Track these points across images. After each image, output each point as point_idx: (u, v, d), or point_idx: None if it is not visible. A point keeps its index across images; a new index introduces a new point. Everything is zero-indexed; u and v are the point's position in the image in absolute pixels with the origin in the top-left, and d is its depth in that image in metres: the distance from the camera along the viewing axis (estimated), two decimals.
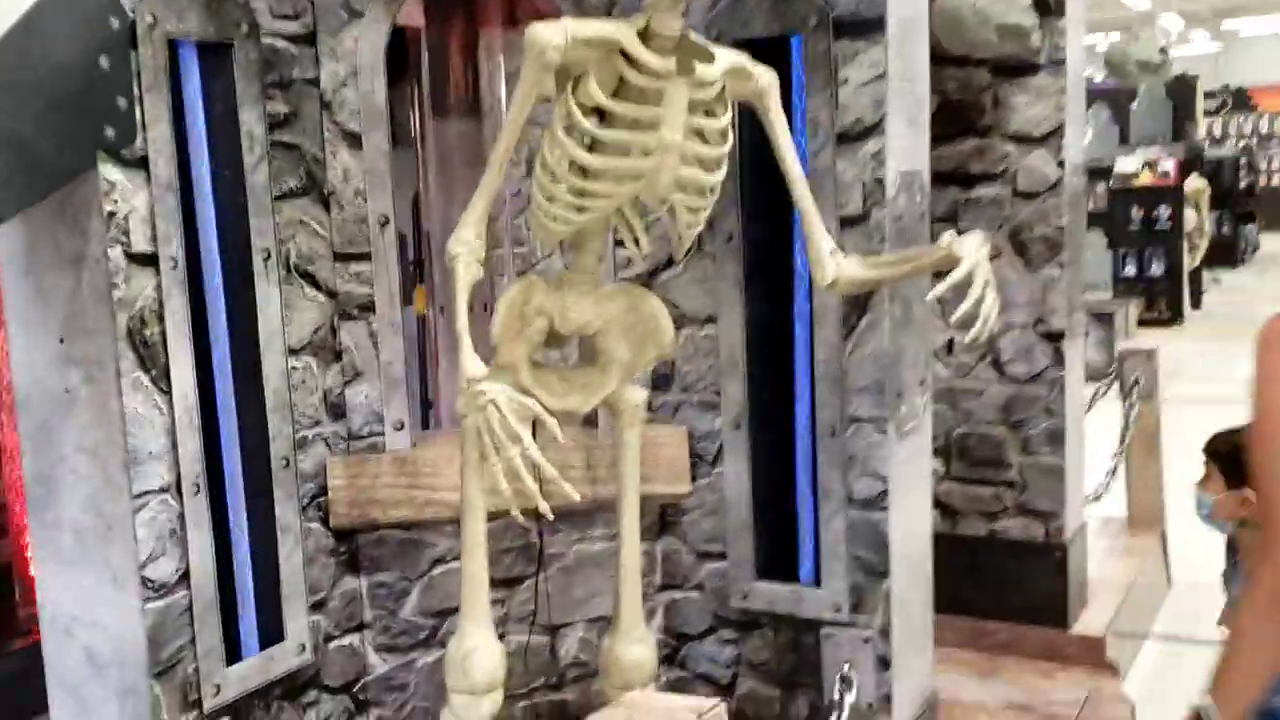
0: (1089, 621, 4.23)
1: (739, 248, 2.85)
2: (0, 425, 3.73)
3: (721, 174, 2.31)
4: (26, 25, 1.98)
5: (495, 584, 2.89)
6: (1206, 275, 14.39)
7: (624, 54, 2.11)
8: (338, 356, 2.76)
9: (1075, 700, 3.83)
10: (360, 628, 2.84)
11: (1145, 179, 12.29)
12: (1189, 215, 12.65)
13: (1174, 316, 12.29)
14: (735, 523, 2.95)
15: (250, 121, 2.51)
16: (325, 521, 2.74)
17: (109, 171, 2.19)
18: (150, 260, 2.29)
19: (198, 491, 2.41)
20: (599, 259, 2.45)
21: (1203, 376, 9.44)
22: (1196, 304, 13.43)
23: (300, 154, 2.66)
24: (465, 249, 2.24)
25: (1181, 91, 15.62)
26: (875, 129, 2.66)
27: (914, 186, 2.81)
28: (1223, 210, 15.62)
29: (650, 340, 2.50)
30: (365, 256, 2.76)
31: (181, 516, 2.37)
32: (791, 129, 2.43)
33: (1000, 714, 3.77)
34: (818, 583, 2.86)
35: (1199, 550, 5.41)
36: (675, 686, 3.10)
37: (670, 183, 2.23)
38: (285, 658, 2.64)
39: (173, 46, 2.33)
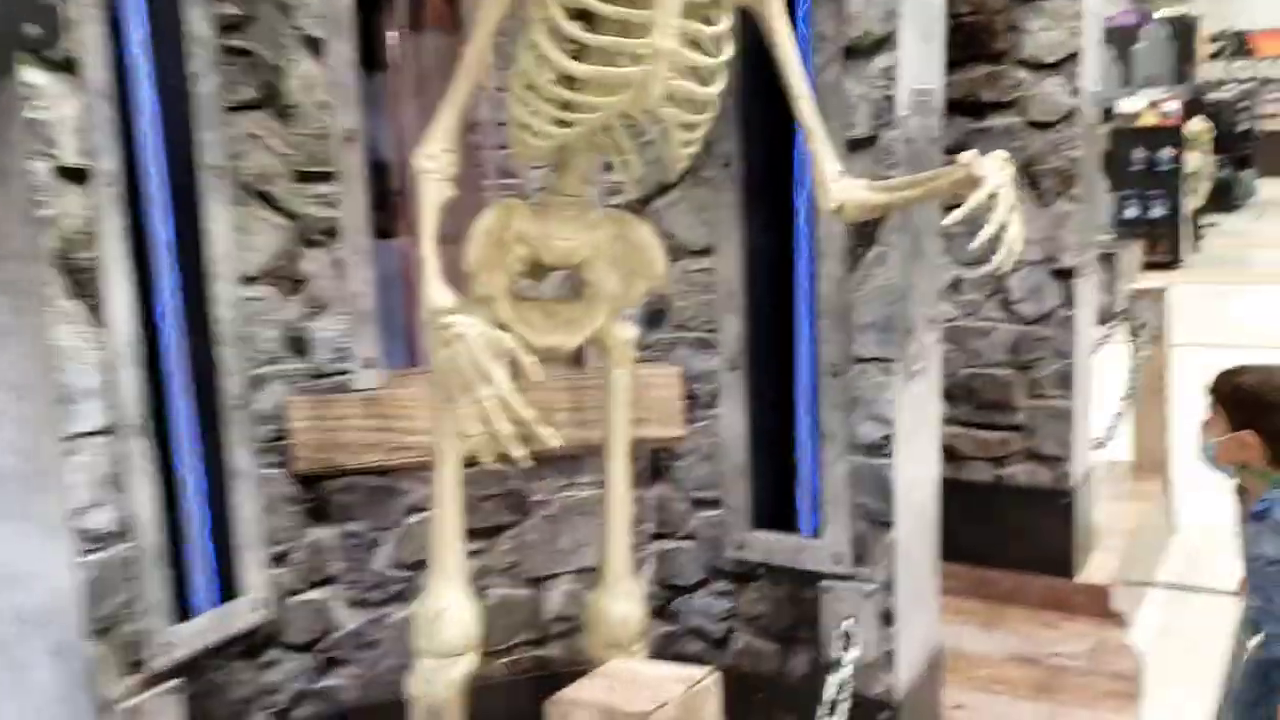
0: (1095, 570, 4.07)
1: (738, 173, 2.62)
2: None
3: (719, 87, 2.08)
4: None
5: (475, 534, 2.71)
6: (1204, 219, 14.17)
7: None
8: (299, 286, 2.54)
9: (1081, 651, 3.67)
10: (327, 581, 2.64)
11: (1149, 120, 12.00)
12: (1191, 158, 12.39)
13: (1173, 260, 12.08)
14: (731, 469, 2.75)
15: (197, 23, 2.26)
16: (286, 467, 2.53)
17: (31, 75, 1.94)
18: (81, 176, 2.06)
19: (139, 434, 2.19)
20: (585, 182, 2.22)
21: (1203, 319, 9.27)
22: (1196, 247, 13.22)
23: (255, 61, 2.41)
24: (433, 164, 2.01)
25: (1184, 32, 15.28)
26: (886, 43, 2.42)
27: (927, 107, 2.58)
28: (1222, 154, 15.35)
29: (641, 272, 2.28)
30: (329, 176, 2.53)
31: (120, 461, 2.15)
32: (796, 41, 2.19)
33: (1004, 666, 3.62)
34: (817, 533, 2.67)
35: (1204, 495, 5.29)
36: (666, 640, 2.91)
37: (662, 95, 2.00)
38: (241, 614, 2.45)
39: None
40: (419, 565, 2.65)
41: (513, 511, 2.75)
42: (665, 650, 2.90)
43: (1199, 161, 12.84)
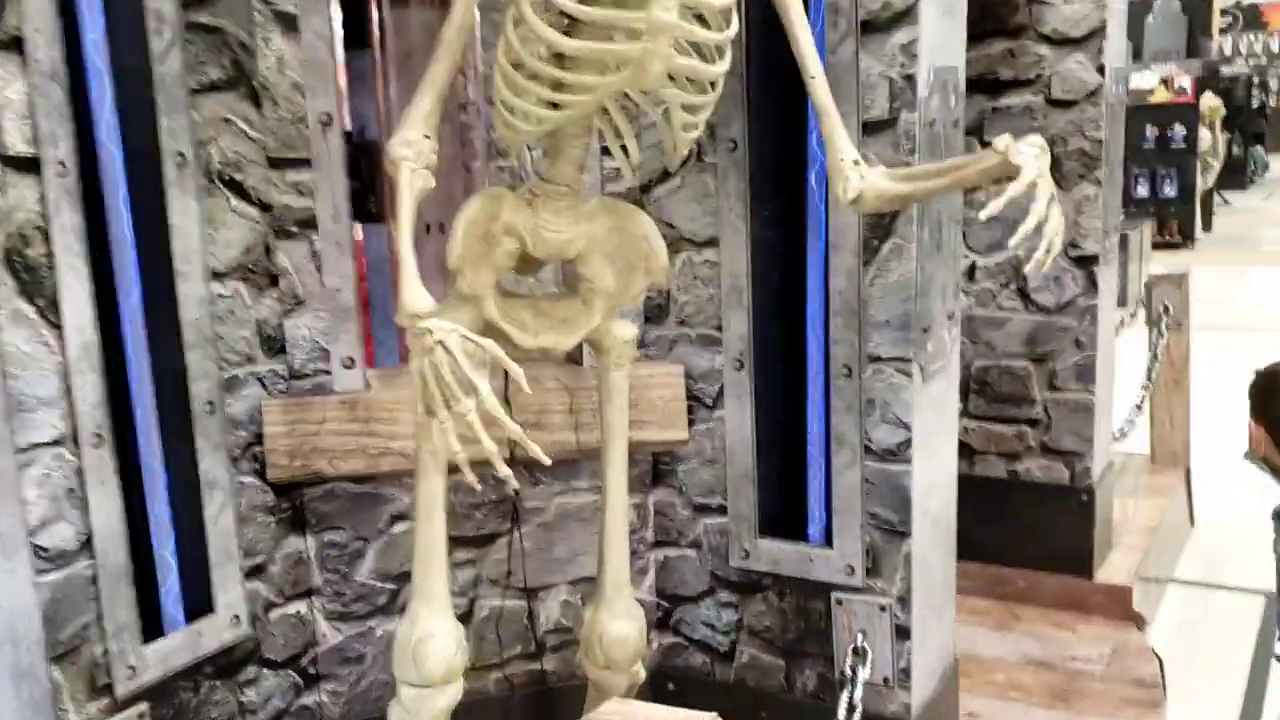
0: (1114, 568, 3.92)
1: (744, 157, 2.45)
2: None
3: (724, 66, 1.91)
4: None
5: (466, 542, 2.57)
6: (1216, 197, 13.97)
7: None
8: (274, 281, 2.37)
9: (1099, 655, 3.52)
10: (308, 594, 2.48)
11: (1161, 96, 11.78)
12: (1203, 134, 12.17)
13: (1185, 239, 11.88)
14: (736, 474, 2.58)
15: None
16: (262, 474, 2.37)
17: None
18: (31, 165, 1.89)
19: (100, 443, 2.03)
20: (579, 168, 2.05)
21: (1218, 301, 9.09)
22: (1208, 226, 13.01)
23: (224, 39, 2.24)
24: (410, 152, 1.83)
25: (1195, 5, 15.03)
26: (906, 17, 2.24)
27: (949, 86, 2.40)
28: (1234, 130, 15.12)
29: (640, 266, 2.11)
30: (305, 163, 2.36)
31: (80, 473, 2.00)
32: (808, 15, 2.02)
33: (1018, 670, 3.47)
34: (828, 542, 2.51)
35: (1224, 489, 5.13)
36: (669, 652, 2.76)
37: (662, 73, 1.82)
38: (216, 631, 2.29)
39: None
40: (404, 576, 2.50)
41: (505, 519, 2.59)
42: (667, 663, 2.75)
43: (1211, 139, 12.61)
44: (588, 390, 2.50)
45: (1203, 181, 12.36)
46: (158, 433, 2.16)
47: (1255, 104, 16.30)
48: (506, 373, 2.37)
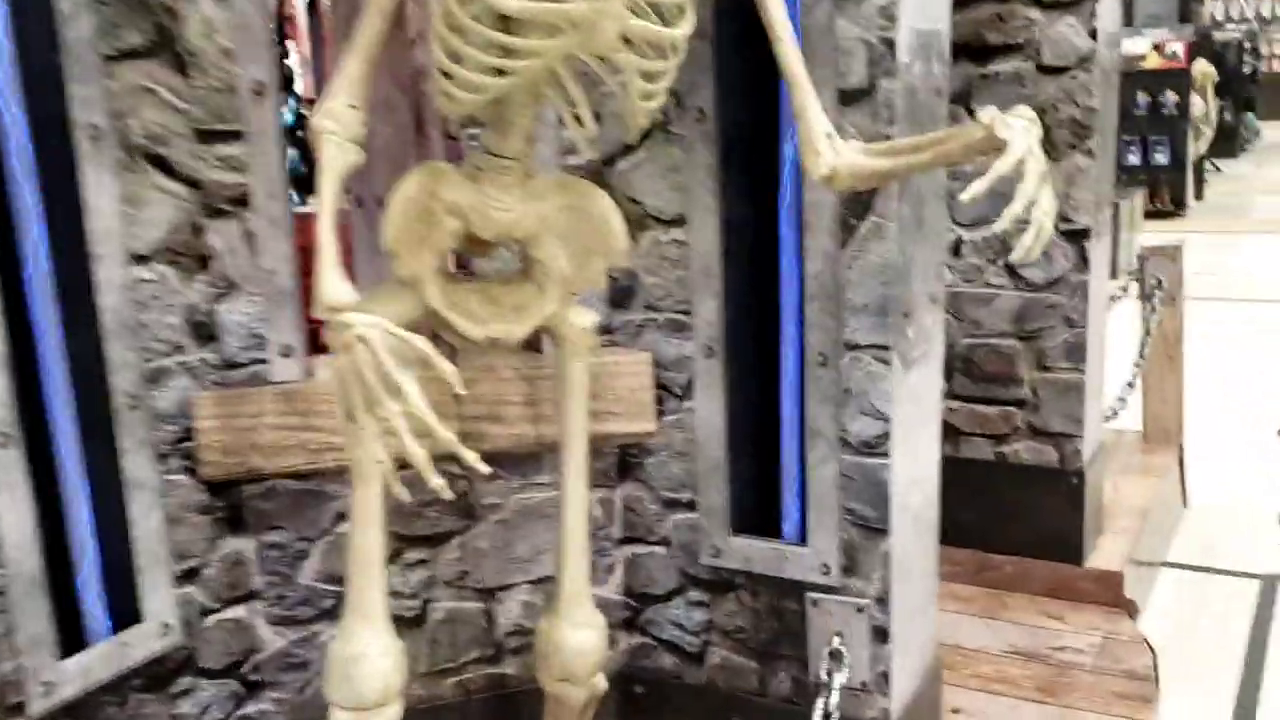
0: (1105, 553, 3.78)
1: (713, 129, 2.27)
2: None
3: (686, 28, 1.74)
4: None
5: (418, 541, 2.41)
6: (1208, 165, 13.80)
7: None
8: (204, 264, 2.19)
9: (1090, 646, 3.39)
10: (248, 598, 2.32)
11: (1152, 62, 11.58)
12: (1195, 101, 11.98)
13: (1177, 208, 11.71)
14: (707, 467, 2.43)
15: None
16: (194, 472, 2.20)
17: None
18: None
19: (8, 443, 1.86)
20: (528, 140, 1.88)
21: (1210, 271, 8.96)
22: (1200, 194, 12.85)
23: (143, 1, 2.05)
24: (335, 124, 1.66)
25: None
26: None
27: (932, 52, 2.23)
28: (1225, 97, 14.93)
29: (597, 248, 1.94)
30: (237, 135, 2.18)
31: None
32: None
33: (1004, 662, 3.33)
34: (803, 540, 2.35)
35: (1219, 469, 5.01)
36: (637, 654, 2.61)
37: (615, 36, 1.66)
38: (145, 641, 2.13)
39: None
40: None
41: (461, 516, 2.43)
42: (635, 665, 2.60)
43: (1203, 105, 12.43)
44: (547, 380, 2.34)
45: (1195, 149, 12.19)
46: (75, 430, 2.00)
47: (1247, 70, 16.09)
48: (455, 360, 2.24)
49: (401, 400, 1.49)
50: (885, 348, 2.19)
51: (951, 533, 3.64)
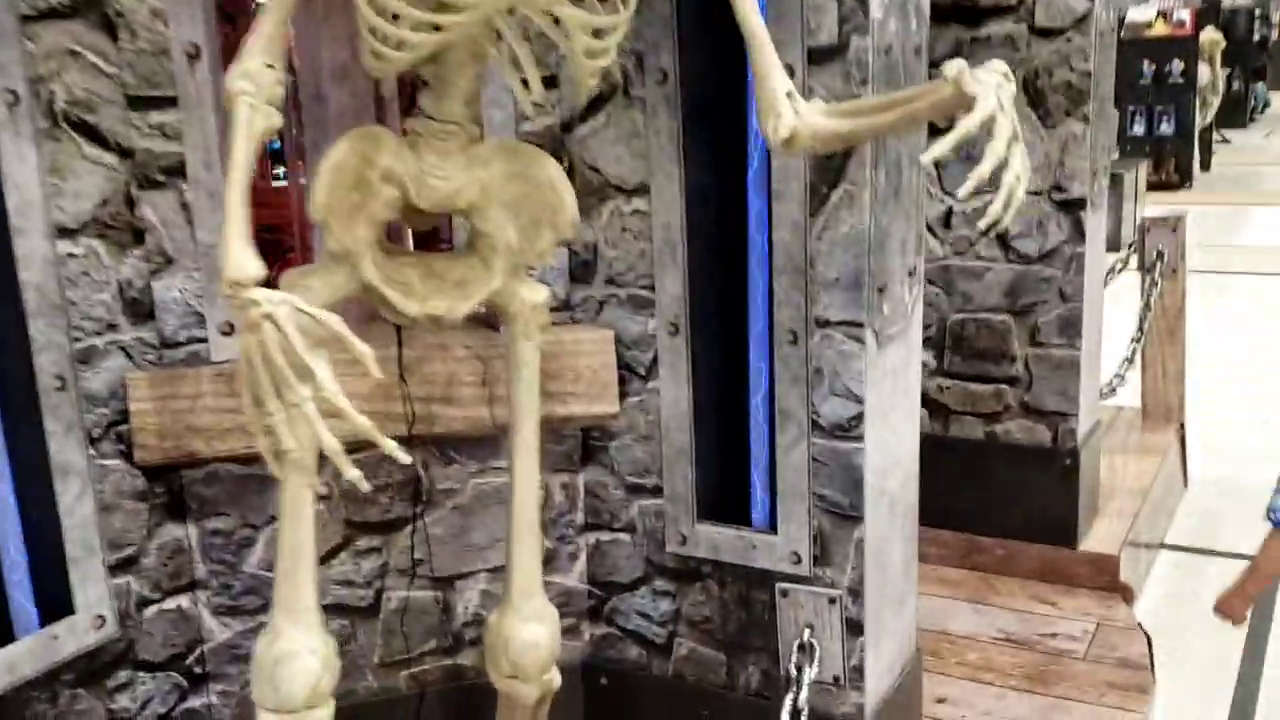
0: (1099, 536, 3.67)
1: (675, 92, 2.14)
2: None
3: None
4: None
5: (371, 528, 2.30)
6: (1215, 135, 13.58)
7: None
8: (139, 238, 2.08)
9: (1082, 633, 3.28)
10: (191, 587, 2.22)
11: (1158, 30, 11.36)
12: (1202, 70, 11.77)
13: (1183, 179, 11.52)
14: (672, 451, 2.31)
15: None
16: (129, 456, 2.09)
17: None
18: None
19: None
20: (469, 103, 1.75)
21: (1217, 244, 8.79)
22: (1206, 165, 12.65)
23: None
24: (249, 85, 1.53)
25: None
26: None
27: (909, 8, 2.09)
28: (1234, 65, 14.68)
29: (545, 219, 1.82)
30: (171, 101, 2.05)
31: None
32: None
33: (994, 649, 3.23)
34: (773, 527, 2.24)
35: (1220, 444, 4.87)
36: (601, 644, 2.50)
37: None
38: (76, 634, 2.03)
39: None
40: None
41: (416, 502, 2.32)
42: (600, 656, 2.50)
43: (1210, 74, 12.21)
44: (503, 359, 2.21)
45: (1201, 119, 11.98)
46: None
47: (1256, 38, 15.84)
48: (400, 337, 2.12)
49: (312, 384, 1.37)
50: (858, 324, 2.07)
51: (941, 515, 3.56)
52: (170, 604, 2.19)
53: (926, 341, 3.57)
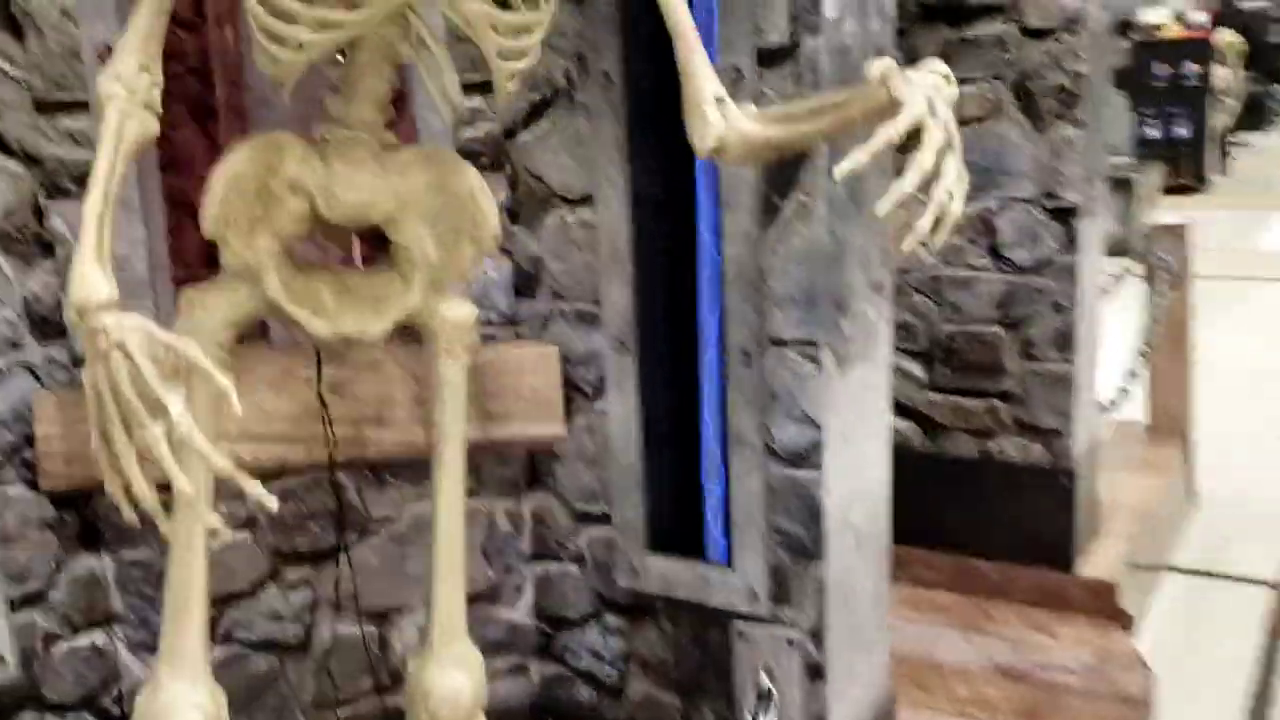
0: (1098, 559, 3.49)
1: (621, 96, 2.00)
2: None
3: None
4: None
5: (301, 558, 2.17)
6: (1233, 139, 13.32)
7: None
8: (47, 250, 1.95)
9: (1080, 664, 3.11)
10: (106, 622, 2.08)
11: (1172, 32, 11.13)
12: (1219, 72, 11.53)
13: (1199, 183, 11.29)
14: (621, 476, 2.16)
15: None
16: (34, 484, 1.96)
17: None
18: None
19: None
20: (381, 107, 1.62)
21: (1233, 249, 8.57)
22: (1224, 169, 12.40)
23: None
24: (121, 88, 1.40)
25: None
26: None
27: (869, 6, 1.94)
28: (1253, 68, 14.41)
29: (465, 232, 1.68)
30: (82, 106, 1.93)
31: None
32: None
33: (985, 681, 3.06)
34: (729, 561, 2.09)
35: (1229, 463, 4.68)
36: (552, 684, 2.36)
37: None
38: None
39: None
40: (227, 598, 2.11)
41: (349, 530, 2.18)
42: (549, 696, 2.35)
43: (1228, 76, 11.97)
44: None
45: (1219, 122, 11.74)
46: None
47: (1276, 40, 15.55)
48: (319, 356, 1.98)
49: (166, 420, 1.23)
50: (813, 344, 1.91)
51: (931, 534, 3.41)
52: (82, 641, 2.06)
53: (915, 354, 3.42)
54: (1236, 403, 5.38)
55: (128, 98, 1.40)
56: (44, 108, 1.91)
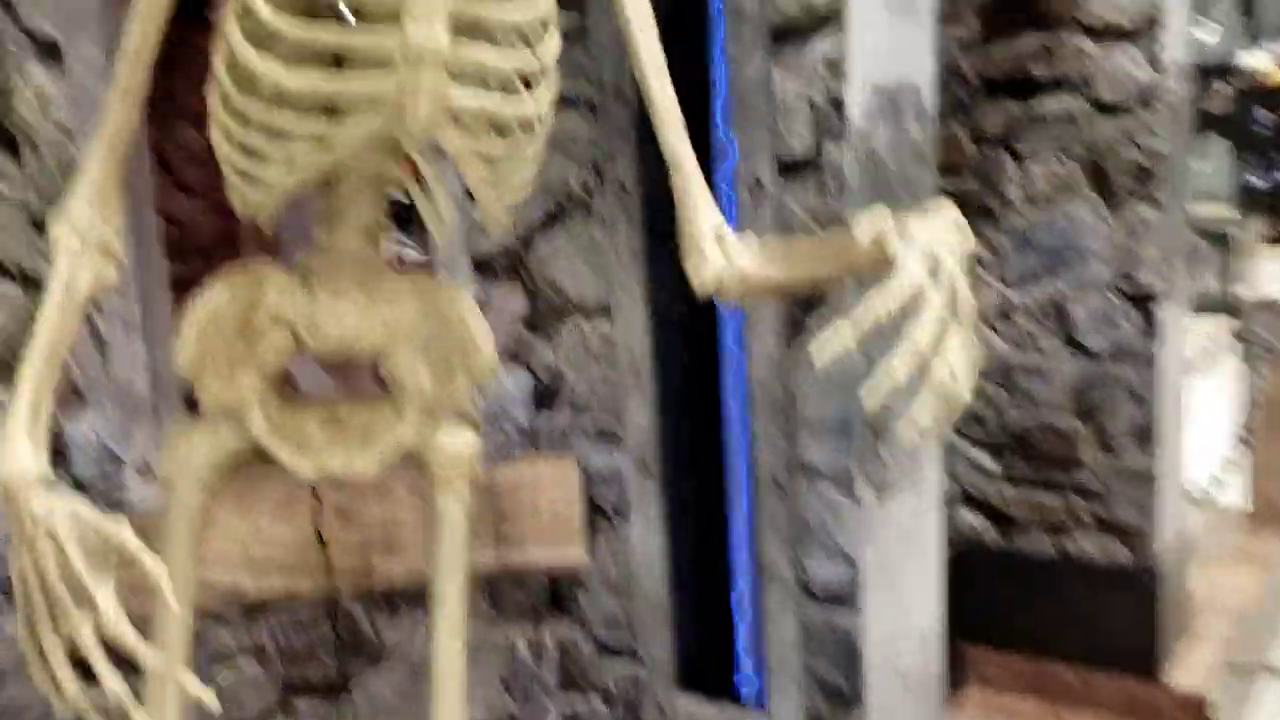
0: (1188, 665, 3.24)
1: (637, 204, 1.88)
2: None
3: (541, 99, 1.35)
4: None
5: (312, 690, 2.06)
6: None
7: None
8: None
9: None
10: None
11: (1277, 78, 10.69)
12: None
13: None
14: (647, 606, 2.02)
15: None
16: None
17: None
18: None
19: None
20: (369, 235, 1.51)
21: None
22: None
23: None
24: (71, 230, 1.32)
25: None
26: (829, 22, 1.64)
27: (904, 110, 1.79)
28: None
29: (457, 360, 1.57)
30: None
31: None
32: (705, 19, 1.45)
33: None
34: (762, 704, 1.92)
35: None
36: None
37: (434, 115, 1.28)
38: None
39: None
40: None
41: (361, 658, 2.06)
42: None
43: None
44: None
45: None
46: None
47: None
48: (314, 489, 1.88)
49: (93, 612, 1.12)
50: (847, 472, 1.75)
51: (1005, 636, 3.19)
52: None
53: (985, 444, 3.23)
54: None
55: (80, 246, 1.32)
56: (42, 227, 1.85)
